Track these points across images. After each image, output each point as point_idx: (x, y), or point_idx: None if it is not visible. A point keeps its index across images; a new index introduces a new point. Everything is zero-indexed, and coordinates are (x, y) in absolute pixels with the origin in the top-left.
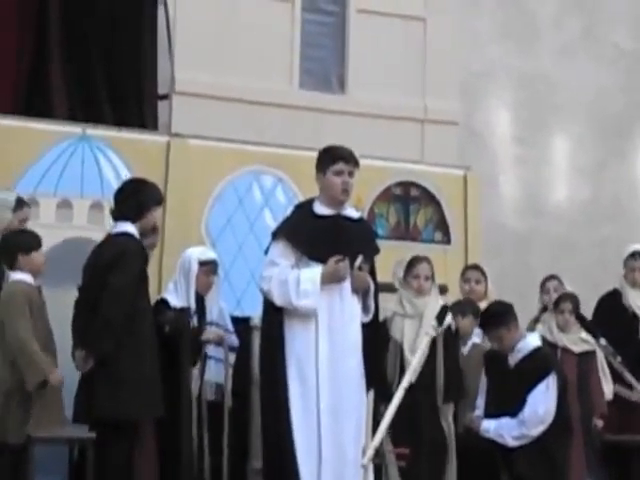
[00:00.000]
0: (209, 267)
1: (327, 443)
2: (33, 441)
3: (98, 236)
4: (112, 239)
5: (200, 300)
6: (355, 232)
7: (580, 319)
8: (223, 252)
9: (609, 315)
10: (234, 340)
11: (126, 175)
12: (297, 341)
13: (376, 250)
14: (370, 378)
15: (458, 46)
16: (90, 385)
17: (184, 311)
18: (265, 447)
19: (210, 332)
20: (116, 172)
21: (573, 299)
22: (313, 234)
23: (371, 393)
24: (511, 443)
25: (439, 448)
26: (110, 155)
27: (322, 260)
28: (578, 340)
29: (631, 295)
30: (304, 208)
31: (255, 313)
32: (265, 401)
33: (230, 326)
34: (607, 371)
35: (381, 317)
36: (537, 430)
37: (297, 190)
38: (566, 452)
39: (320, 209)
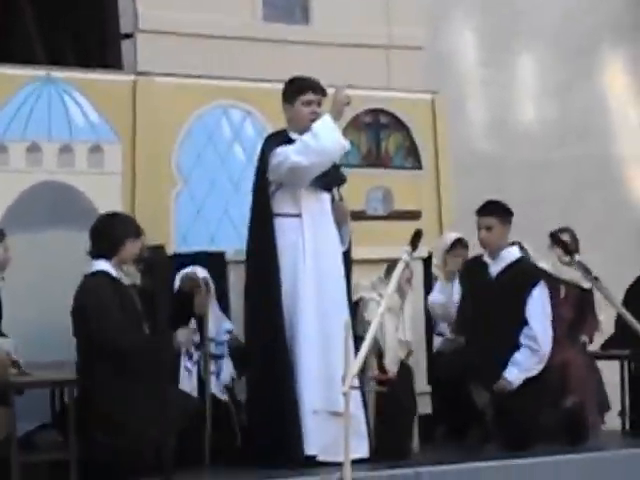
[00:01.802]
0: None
1: (317, 367)
2: (11, 386)
3: (68, 179)
4: (85, 281)
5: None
6: None
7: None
8: (195, 188)
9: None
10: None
11: (94, 117)
12: (286, 269)
13: (343, 180)
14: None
15: None
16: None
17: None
18: (254, 374)
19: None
20: (83, 114)
21: (571, 232)
22: None
23: (348, 321)
24: (535, 371)
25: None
26: (76, 97)
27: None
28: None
29: None
30: (278, 136)
31: (229, 248)
32: (254, 327)
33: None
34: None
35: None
36: (549, 348)
37: (266, 123)
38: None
39: (294, 135)
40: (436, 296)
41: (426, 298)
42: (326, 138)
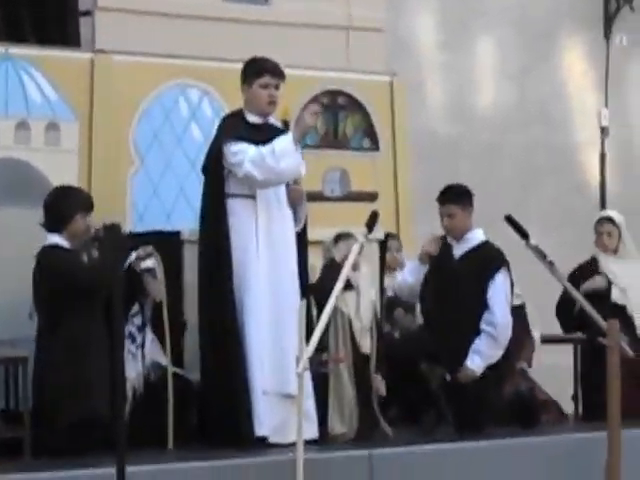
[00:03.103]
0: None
1: (270, 348)
2: None
3: (24, 155)
4: (41, 252)
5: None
6: None
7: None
8: (151, 167)
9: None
10: None
11: (51, 94)
12: (238, 250)
13: None
14: (301, 287)
15: None
16: None
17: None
18: (206, 355)
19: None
20: (41, 91)
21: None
22: (250, 140)
23: (302, 302)
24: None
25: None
26: (34, 74)
27: None
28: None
29: (603, 260)
30: (235, 117)
31: (185, 227)
32: (206, 308)
33: None
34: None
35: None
36: (509, 334)
37: (223, 103)
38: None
39: (251, 118)
40: (406, 277)
41: (382, 280)
42: (285, 161)
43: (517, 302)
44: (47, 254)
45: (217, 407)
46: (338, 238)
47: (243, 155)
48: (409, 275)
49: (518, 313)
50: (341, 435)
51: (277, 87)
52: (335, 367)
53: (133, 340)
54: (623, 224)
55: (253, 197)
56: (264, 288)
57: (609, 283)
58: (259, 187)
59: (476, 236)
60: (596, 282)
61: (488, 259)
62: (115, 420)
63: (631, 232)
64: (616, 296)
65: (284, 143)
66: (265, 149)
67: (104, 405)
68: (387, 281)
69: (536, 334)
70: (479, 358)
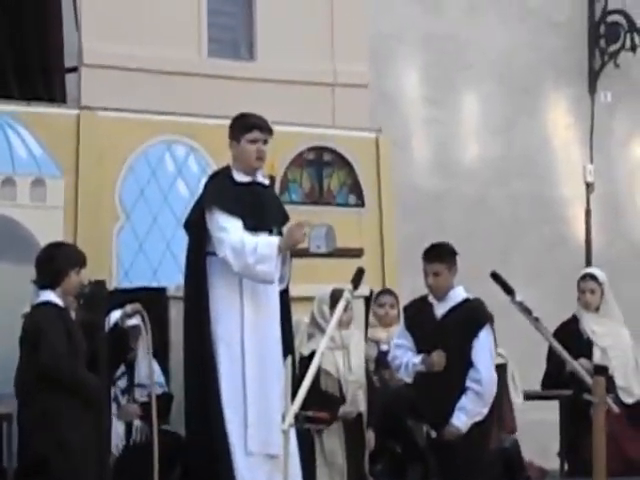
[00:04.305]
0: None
1: (253, 409)
2: None
3: (10, 212)
4: (32, 311)
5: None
6: (268, 198)
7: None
8: (137, 223)
9: (566, 342)
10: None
11: (37, 150)
12: (221, 306)
13: (286, 217)
14: (286, 345)
15: (366, 8)
16: None
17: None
18: (191, 415)
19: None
20: (27, 147)
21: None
22: (237, 201)
23: (288, 359)
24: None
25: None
26: (20, 130)
27: (249, 228)
28: None
29: (585, 319)
30: (222, 175)
31: (171, 283)
32: (190, 368)
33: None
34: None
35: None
36: (494, 391)
37: (209, 159)
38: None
39: (239, 176)
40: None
41: (367, 335)
42: (261, 267)
43: (498, 361)
44: (41, 312)
45: (200, 467)
46: (335, 297)
47: (227, 236)
48: (397, 356)
49: (498, 373)
50: None
51: (265, 142)
52: (317, 427)
53: (118, 405)
54: (606, 282)
55: None
56: (247, 348)
57: (589, 344)
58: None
59: (458, 294)
60: (583, 365)
61: (471, 317)
62: None
63: (615, 288)
64: (597, 357)
65: (268, 249)
66: (248, 243)
67: (86, 472)
68: (382, 334)
69: (517, 400)
70: (464, 416)
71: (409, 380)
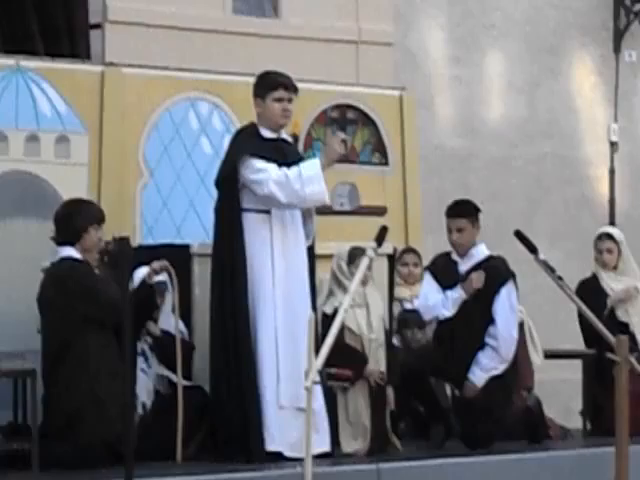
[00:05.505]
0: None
1: (285, 364)
2: None
3: (34, 168)
4: (56, 265)
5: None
6: (293, 155)
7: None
8: (161, 181)
9: (586, 300)
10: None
11: (61, 107)
12: (255, 262)
13: None
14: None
15: None
16: None
17: None
18: (219, 372)
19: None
20: (51, 104)
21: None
22: (265, 155)
23: (311, 316)
24: (498, 371)
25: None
26: (44, 87)
27: None
28: None
29: (603, 277)
30: (250, 130)
31: (194, 241)
32: (220, 324)
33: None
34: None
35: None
36: (513, 348)
37: (233, 116)
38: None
39: (265, 132)
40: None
41: (391, 294)
42: (310, 188)
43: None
44: (65, 267)
45: (228, 421)
46: (353, 255)
47: (266, 174)
48: (429, 297)
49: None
50: (354, 452)
51: (290, 101)
52: (340, 384)
53: (146, 358)
54: (623, 241)
55: (267, 212)
56: (278, 304)
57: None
58: (278, 207)
59: (480, 251)
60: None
61: (493, 273)
62: (124, 436)
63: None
64: (620, 313)
65: (312, 169)
66: (292, 172)
67: (117, 424)
68: (405, 293)
69: (536, 359)
70: (479, 370)
71: (449, 314)
